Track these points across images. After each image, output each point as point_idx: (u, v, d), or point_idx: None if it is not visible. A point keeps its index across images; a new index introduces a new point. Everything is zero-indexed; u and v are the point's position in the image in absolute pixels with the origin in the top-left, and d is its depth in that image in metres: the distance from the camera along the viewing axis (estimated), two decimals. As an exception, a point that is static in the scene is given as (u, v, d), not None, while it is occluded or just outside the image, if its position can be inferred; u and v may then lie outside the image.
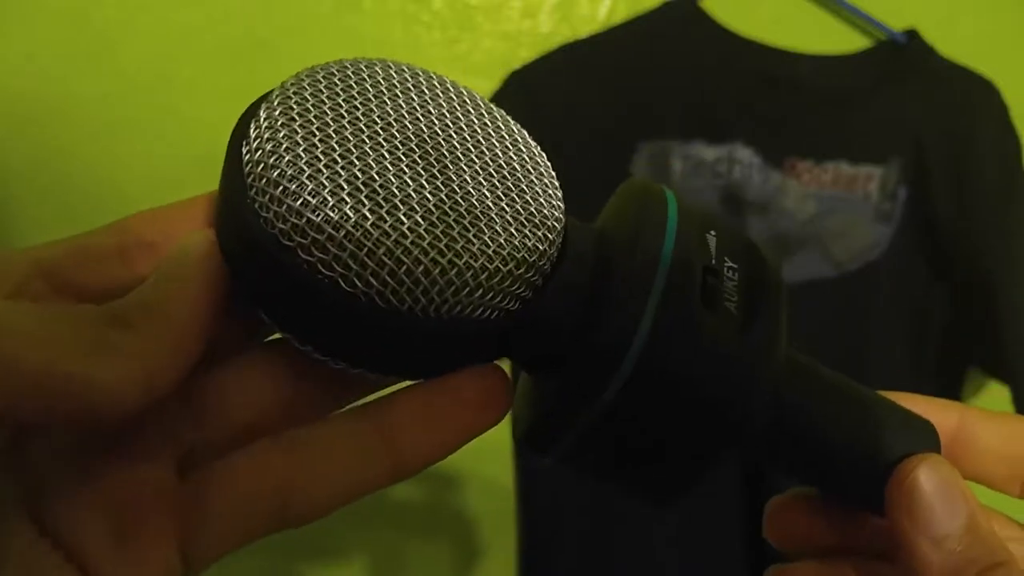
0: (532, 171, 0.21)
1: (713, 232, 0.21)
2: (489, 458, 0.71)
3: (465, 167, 0.20)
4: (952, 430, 0.24)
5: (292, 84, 0.20)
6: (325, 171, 0.18)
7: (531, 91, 0.67)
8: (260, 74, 0.68)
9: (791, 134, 0.68)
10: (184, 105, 0.69)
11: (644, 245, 0.20)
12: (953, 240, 0.68)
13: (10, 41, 0.67)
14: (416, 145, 0.19)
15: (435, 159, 0.19)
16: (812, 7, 0.71)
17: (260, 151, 0.18)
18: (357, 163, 0.18)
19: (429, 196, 0.19)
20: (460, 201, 0.19)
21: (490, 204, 0.19)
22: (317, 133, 0.18)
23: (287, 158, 0.18)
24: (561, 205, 0.21)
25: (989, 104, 0.69)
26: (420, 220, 0.18)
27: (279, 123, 0.19)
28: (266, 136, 0.18)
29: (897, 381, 0.70)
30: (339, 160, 0.18)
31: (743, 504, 0.68)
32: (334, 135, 0.18)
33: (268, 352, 0.21)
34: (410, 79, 0.21)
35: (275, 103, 0.19)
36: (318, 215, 0.17)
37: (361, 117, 0.19)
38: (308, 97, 0.19)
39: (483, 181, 0.20)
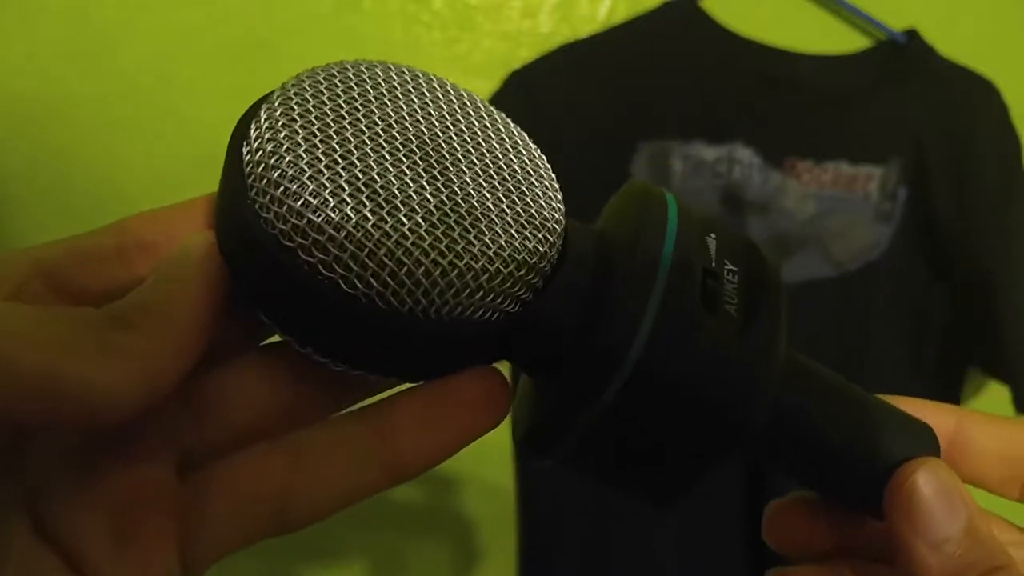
0: (532, 173, 0.21)
1: (713, 235, 0.21)
2: (489, 460, 0.71)
3: (465, 168, 0.20)
4: (950, 433, 0.24)
5: (293, 85, 0.20)
6: (326, 172, 0.18)
7: (531, 91, 0.67)
8: (260, 74, 0.68)
9: (791, 134, 0.68)
10: (184, 105, 0.69)
11: (644, 247, 0.20)
12: (953, 240, 0.68)
13: (10, 41, 0.67)
14: (416, 146, 0.19)
15: (435, 160, 0.19)
16: (812, 7, 0.71)
17: (261, 151, 0.18)
18: (358, 164, 0.18)
19: (429, 197, 0.19)
20: (460, 202, 0.19)
21: (490, 205, 0.19)
22: (318, 134, 0.18)
23: (288, 158, 0.18)
24: (561, 207, 0.21)
25: (989, 104, 0.69)
26: (421, 221, 0.18)
27: (280, 124, 0.19)
28: (267, 137, 0.18)
29: (897, 381, 0.70)
30: (340, 161, 0.18)
31: (744, 506, 0.68)
32: (335, 136, 0.18)
33: (268, 354, 0.21)
34: (410, 81, 0.21)
35: (275, 104, 0.19)
36: (319, 216, 0.17)
37: (362, 118, 0.19)
38: (309, 98, 0.19)
39: (483, 183, 0.20)
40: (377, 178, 0.18)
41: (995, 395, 0.72)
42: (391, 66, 0.21)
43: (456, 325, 0.19)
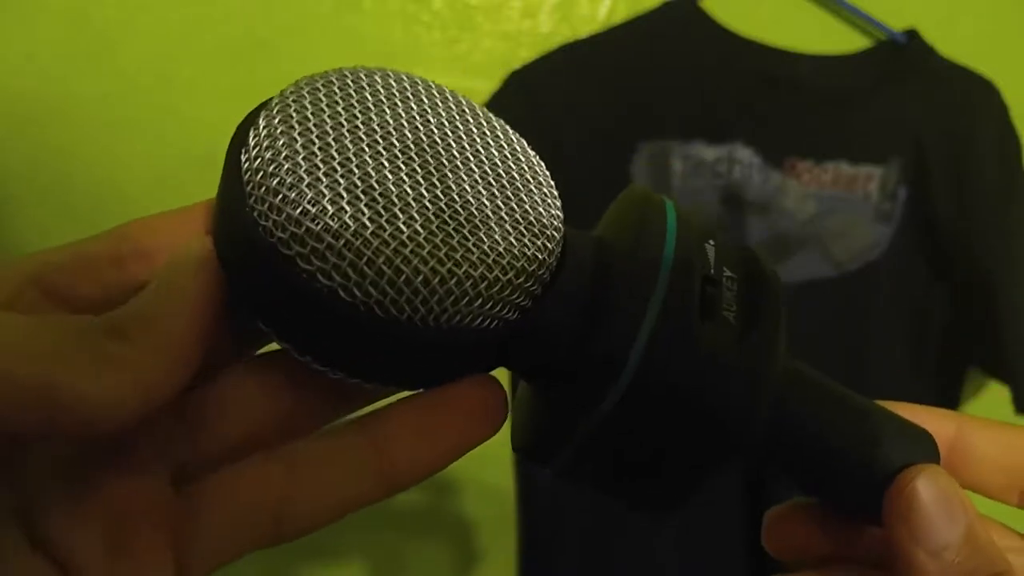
0: (531, 180, 0.21)
1: (712, 242, 0.21)
2: (489, 462, 0.71)
3: (464, 176, 0.20)
4: (950, 439, 0.24)
5: (291, 92, 0.20)
6: (324, 179, 0.18)
7: (531, 91, 0.67)
8: (260, 74, 0.68)
9: (791, 134, 0.68)
10: (184, 105, 0.69)
11: (645, 250, 0.20)
12: (953, 240, 0.68)
13: (10, 41, 0.67)
14: (415, 154, 0.19)
15: (434, 168, 0.19)
16: (812, 7, 0.71)
17: (259, 159, 0.18)
18: (356, 171, 0.18)
19: (428, 205, 0.19)
20: (460, 210, 0.19)
21: (489, 213, 0.19)
22: (316, 141, 0.18)
23: (286, 166, 0.18)
24: (560, 214, 0.21)
25: (989, 104, 0.69)
26: (419, 229, 0.18)
27: (278, 131, 0.18)
28: (265, 144, 0.18)
29: (897, 381, 0.70)
30: (338, 168, 0.18)
31: (744, 511, 0.68)
32: (333, 143, 0.18)
33: (265, 363, 0.21)
34: (409, 88, 0.21)
35: (274, 111, 0.19)
36: (317, 223, 0.17)
37: (360, 125, 0.19)
38: (307, 105, 0.19)
39: (482, 190, 0.20)
40: (376, 185, 0.18)
41: (995, 395, 0.72)
42: (390, 73, 0.21)
43: (454, 333, 0.19)
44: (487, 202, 0.19)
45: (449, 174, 0.19)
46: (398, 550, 0.79)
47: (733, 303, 0.20)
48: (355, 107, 0.20)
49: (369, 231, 0.18)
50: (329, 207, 0.17)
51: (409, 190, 0.18)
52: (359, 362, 0.19)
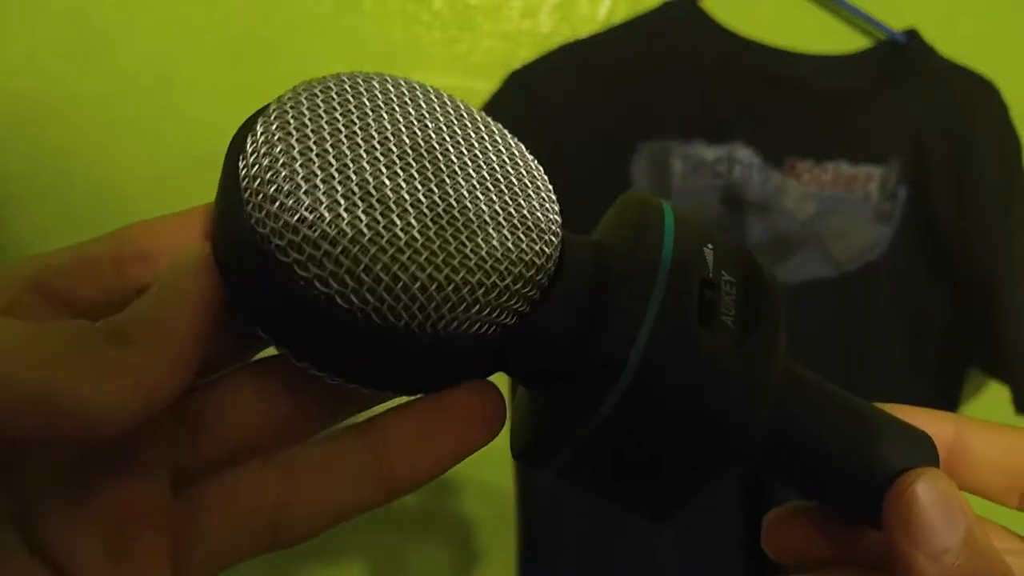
0: (529, 184, 0.21)
1: (711, 245, 0.21)
2: (489, 462, 0.71)
3: (462, 180, 0.20)
4: (949, 441, 0.24)
5: (289, 98, 0.20)
6: (322, 186, 0.18)
7: (531, 91, 0.67)
8: (260, 74, 0.68)
9: (791, 134, 0.68)
10: (184, 105, 0.69)
11: (643, 253, 0.20)
12: (953, 240, 0.68)
13: (10, 41, 0.67)
14: (413, 159, 0.19)
15: (432, 173, 0.19)
16: (812, 7, 0.71)
17: (257, 166, 0.18)
18: (353, 177, 0.18)
19: (426, 210, 0.18)
20: (457, 216, 0.19)
21: (487, 219, 0.19)
22: (314, 148, 0.18)
23: (283, 173, 0.18)
24: (558, 219, 0.21)
25: (989, 104, 0.69)
26: (417, 235, 0.18)
27: (276, 137, 0.18)
28: (263, 151, 0.18)
29: (897, 381, 0.70)
30: (335, 175, 0.18)
31: (743, 514, 0.68)
32: (331, 149, 0.18)
33: (264, 368, 0.21)
34: (407, 92, 0.21)
35: (272, 117, 0.19)
36: (314, 230, 0.17)
37: (358, 131, 0.19)
38: (305, 111, 0.19)
39: (480, 195, 0.20)
40: (373, 191, 0.18)
41: (995, 395, 0.72)
42: (388, 77, 0.21)
43: (452, 339, 0.19)
44: (485, 207, 0.19)
45: (447, 179, 0.19)
46: (398, 550, 0.79)
47: (732, 307, 0.20)
48: (352, 112, 0.20)
49: (366, 237, 0.18)
50: (326, 213, 0.17)
51: (407, 196, 0.18)
52: (356, 368, 0.19)
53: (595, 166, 0.66)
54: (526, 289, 0.19)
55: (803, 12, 0.71)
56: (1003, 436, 0.24)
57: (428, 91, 0.22)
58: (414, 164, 0.19)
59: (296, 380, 0.20)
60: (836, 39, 0.71)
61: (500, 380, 0.21)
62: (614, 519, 0.68)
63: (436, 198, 0.19)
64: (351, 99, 0.20)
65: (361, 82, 0.21)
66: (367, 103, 0.20)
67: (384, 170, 0.19)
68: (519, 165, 0.21)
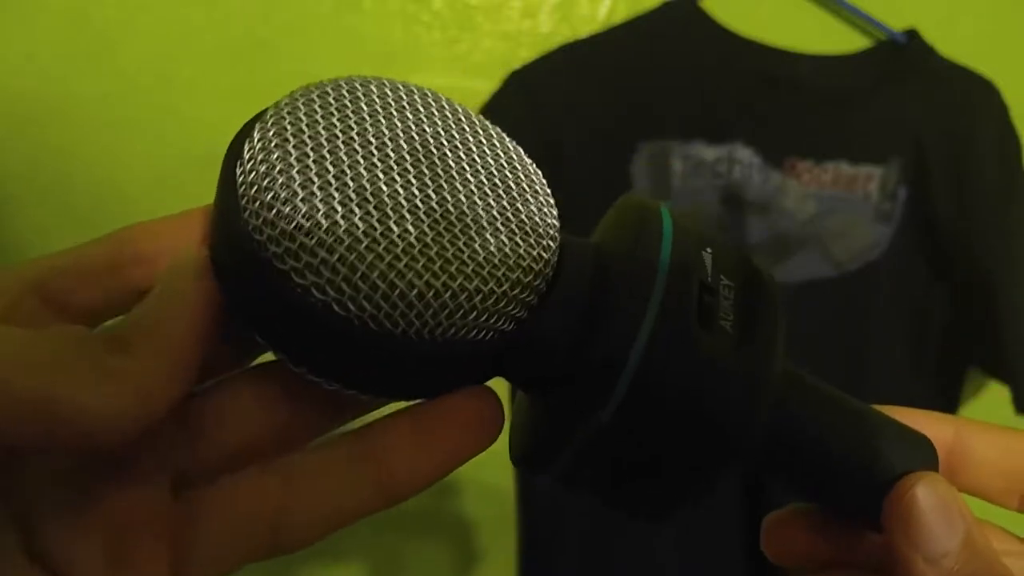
0: (527, 189, 0.21)
1: (709, 249, 0.21)
2: (488, 464, 0.71)
3: (460, 186, 0.20)
4: (948, 443, 0.24)
5: (286, 104, 0.20)
6: (318, 192, 0.18)
7: (531, 91, 0.67)
8: (260, 74, 0.68)
9: (791, 134, 0.68)
10: (184, 105, 0.69)
11: (643, 253, 0.20)
12: (953, 240, 0.68)
13: (10, 41, 0.67)
14: (411, 164, 0.19)
15: (429, 178, 0.19)
16: (812, 7, 0.71)
17: (254, 172, 0.18)
18: (351, 184, 0.18)
19: (423, 216, 0.18)
20: (455, 221, 0.19)
21: (484, 224, 0.19)
22: (311, 154, 0.18)
23: (280, 179, 0.18)
24: (556, 223, 0.21)
25: (989, 104, 0.69)
26: (414, 241, 0.18)
27: (272, 144, 0.18)
28: (260, 157, 0.18)
29: (897, 381, 0.70)
30: (332, 182, 0.18)
31: (743, 514, 0.68)
32: (328, 155, 0.18)
33: (262, 373, 0.21)
34: (404, 96, 0.21)
35: (269, 123, 0.19)
36: (311, 237, 0.17)
37: (355, 136, 0.19)
38: (302, 117, 0.19)
39: (478, 200, 0.20)
40: (370, 198, 0.18)
41: (995, 395, 0.72)
42: (386, 81, 0.21)
43: (449, 346, 0.19)
44: (483, 212, 0.19)
45: (444, 184, 0.19)
46: (398, 550, 0.79)
47: (730, 312, 0.20)
48: (350, 118, 0.20)
49: (363, 244, 0.18)
50: (323, 220, 0.17)
51: (404, 201, 0.18)
52: (354, 375, 0.19)
53: (595, 166, 0.66)
54: (524, 295, 0.19)
55: (803, 12, 0.71)
56: (1002, 438, 0.24)
57: (426, 95, 0.22)
58: (411, 169, 0.19)
59: (294, 385, 0.20)
60: (836, 39, 0.71)
61: (500, 383, 0.21)
62: (614, 519, 0.67)
63: (434, 203, 0.19)
64: (348, 104, 0.20)
65: (359, 87, 0.21)
66: (364, 108, 0.20)
67: (381, 175, 0.19)
68: (517, 169, 0.21)
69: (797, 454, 0.21)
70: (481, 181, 0.20)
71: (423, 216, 0.18)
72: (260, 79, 0.67)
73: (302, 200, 0.18)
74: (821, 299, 0.68)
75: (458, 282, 0.18)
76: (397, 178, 0.19)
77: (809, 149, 0.68)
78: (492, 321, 0.19)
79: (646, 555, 0.69)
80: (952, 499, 0.21)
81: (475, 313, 0.19)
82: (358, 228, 0.18)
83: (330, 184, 0.18)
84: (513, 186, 0.21)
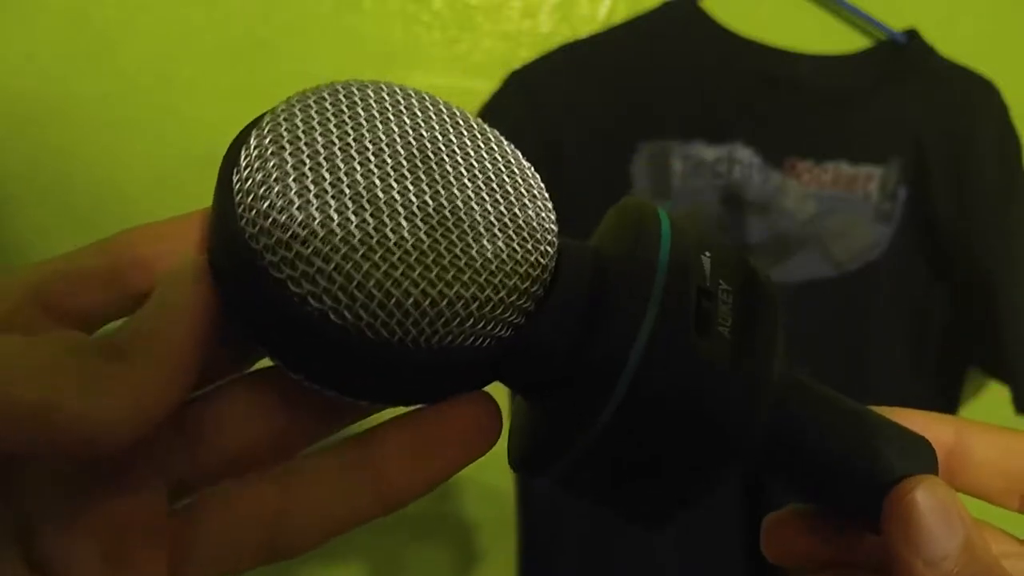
0: (525, 193, 0.21)
1: (708, 253, 0.21)
2: (488, 465, 0.71)
3: (457, 192, 0.20)
4: (949, 444, 0.24)
5: (283, 110, 0.19)
6: (315, 201, 0.18)
7: (531, 91, 0.67)
8: (260, 74, 0.68)
9: (791, 134, 0.68)
10: (184, 105, 0.69)
11: (643, 253, 0.20)
12: (953, 240, 0.68)
13: (10, 41, 0.67)
14: (408, 171, 0.19)
15: (427, 184, 0.19)
16: (812, 7, 0.71)
17: (250, 180, 0.18)
18: (347, 191, 0.18)
19: (420, 224, 0.18)
20: (452, 228, 0.19)
21: (481, 230, 0.19)
22: (307, 162, 0.18)
23: (276, 188, 0.18)
24: (554, 227, 0.21)
25: (989, 104, 0.69)
26: (410, 249, 0.18)
27: (268, 152, 0.18)
28: (256, 166, 0.18)
29: (897, 381, 0.70)
30: (328, 190, 0.18)
31: (743, 515, 0.68)
32: (324, 163, 0.18)
33: (260, 379, 0.21)
34: (402, 100, 0.21)
35: (265, 131, 0.19)
36: (307, 247, 0.17)
37: (352, 143, 0.19)
38: (298, 124, 0.19)
39: (475, 206, 0.20)
40: (366, 206, 0.18)
41: (995, 395, 0.72)
42: (383, 85, 0.21)
43: (446, 353, 0.19)
44: (480, 219, 0.19)
45: (441, 190, 0.19)
46: (398, 552, 0.79)
47: (728, 317, 0.20)
48: (346, 123, 0.19)
49: (359, 254, 0.17)
50: (319, 230, 0.17)
51: (400, 208, 0.18)
52: (351, 382, 0.20)
53: (595, 166, 0.66)
54: (521, 301, 0.19)
55: (803, 12, 0.71)
56: (1002, 438, 0.24)
57: (423, 98, 0.22)
58: (408, 175, 0.19)
59: (292, 391, 0.20)
60: (836, 39, 0.71)
61: (499, 386, 0.21)
62: (614, 520, 0.68)
63: (431, 210, 0.19)
64: (345, 109, 0.20)
65: (356, 91, 0.20)
66: (361, 113, 0.20)
67: (377, 182, 0.19)
68: (515, 173, 0.21)
69: (797, 454, 0.21)
70: (479, 186, 0.20)
71: (420, 223, 0.18)
72: (260, 79, 0.67)
73: (298, 209, 0.18)
74: (821, 299, 0.68)
75: (454, 290, 0.18)
76: (394, 184, 0.19)
77: (809, 149, 0.68)
78: (489, 328, 0.19)
79: (646, 555, 0.69)
80: (951, 502, 0.21)
81: (471, 321, 0.19)
82: (354, 237, 0.18)
83: (326, 192, 0.18)
84: (511, 190, 0.21)
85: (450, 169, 0.20)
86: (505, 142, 0.22)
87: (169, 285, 0.19)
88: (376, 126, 0.20)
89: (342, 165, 0.18)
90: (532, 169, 0.22)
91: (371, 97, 0.21)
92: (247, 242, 0.18)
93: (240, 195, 0.18)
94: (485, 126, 0.22)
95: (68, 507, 0.18)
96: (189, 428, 0.20)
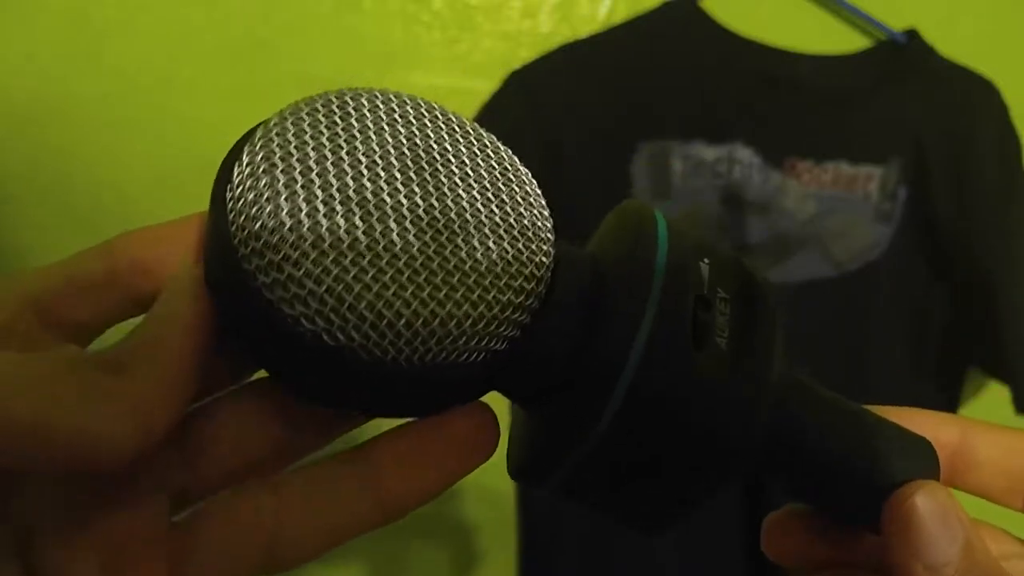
0: (522, 202, 0.21)
1: (707, 260, 0.21)
2: (489, 467, 0.71)
3: (452, 204, 0.19)
4: (954, 444, 0.23)
5: (275, 124, 0.19)
6: (306, 221, 0.18)
7: (531, 91, 0.67)
8: (260, 74, 0.68)
9: (791, 134, 0.68)
10: (184, 105, 0.69)
11: (643, 253, 0.20)
12: (953, 240, 0.68)
13: (10, 41, 0.67)
14: (401, 184, 0.19)
15: (420, 198, 0.19)
16: (812, 7, 0.71)
17: (242, 200, 0.18)
18: (339, 210, 0.18)
19: (413, 240, 0.18)
20: (445, 244, 0.19)
21: (476, 244, 0.19)
22: (299, 179, 0.18)
23: (268, 209, 0.18)
24: (551, 236, 0.21)
25: (989, 104, 0.69)
26: (403, 268, 0.18)
27: (260, 170, 0.18)
28: (248, 184, 0.18)
29: (897, 381, 0.70)
30: (320, 208, 0.18)
31: (743, 514, 0.68)
32: (316, 179, 0.18)
33: (257, 390, 0.21)
34: (396, 109, 0.21)
35: (257, 147, 0.19)
36: (299, 268, 0.17)
37: (344, 157, 0.19)
38: (290, 139, 0.19)
39: (469, 217, 0.19)
40: (359, 224, 0.18)
41: (995, 395, 0.72)
42: (378, 93, 0.21)
43: (440, 370, 0.19)
44: (474, 230, 0.19)
45: (435, 203, 0.19)
46: (399, 552, 0.79)
47: (725, 328, 0.20)
48: (339, 136, 0.19)
49: (350, 275, 0.17)
50: (310, 251, 0.17)
51: (394, 225, 0.18)
52: (345, 398, 0.20)
53: (595, 166, 0.66)
54: (515, 315, 0.19)
55: (803, 12, 0.71)
56: (1004, 437, 0.24)
57: (419, 104, 0.21)
58: (402, 189, 0.19)
59: (288, 400, 0.20)
60: (836, 39, 0.71)
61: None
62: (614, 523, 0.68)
63: (424, 225, 0.19)
64: (338, 121, 0.20)
65: (349, 100, 0.20)
66: (354, 124, 0.20)
67: (371, 197, 0.18)
68: (512, 180, 0.21)
69: (796, 454, 0.21)
70: (473, 197, 0.20)
71: (413, 239, 0.18)
72: (260, 79, 0.67)
73: (289, 230, 0.17)
74: (821, 299, 0.68)
75: (447, 309, 0.18)
76: (387, 199, 0.19)
77: (809, 149, 0.68)
78: (483, 343, 0.19)
79: (646, 556, 0.69)
80: (951, 507, 0.20)
81: (464, 338, 0.18)
82: (345, 258, 0.17)
83: (317, 211, 0.18)
84: (507, 199, 0.20)
85: (444, 180, 0.20)
86: (502, 147, 0.22)
87: (168, 299, 0.19)
88: (369, 137, 0.20)
89: (334, 181, 0.18)
90: (529, 175, 0.22)
91: (364, 107, 0.20)
92: (240, 262, 0.18)
93: (233, 214, 0.18)
94: (481, 130, 0.22)
95: (68, 520, 0.18)
96: (187, 441, 0.20)
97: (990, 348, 0.69)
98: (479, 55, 0.70)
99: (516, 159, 0.22)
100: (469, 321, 0.18)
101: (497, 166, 0.21)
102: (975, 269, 0.68)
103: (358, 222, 0.18)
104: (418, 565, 0.79)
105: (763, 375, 0.20)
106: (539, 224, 0.21)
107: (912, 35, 0.70)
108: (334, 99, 0.20)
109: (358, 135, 0.20)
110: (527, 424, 0.22)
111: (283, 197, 0.18)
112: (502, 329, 0.19)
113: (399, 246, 0.18)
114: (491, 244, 0.19)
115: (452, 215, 0.19)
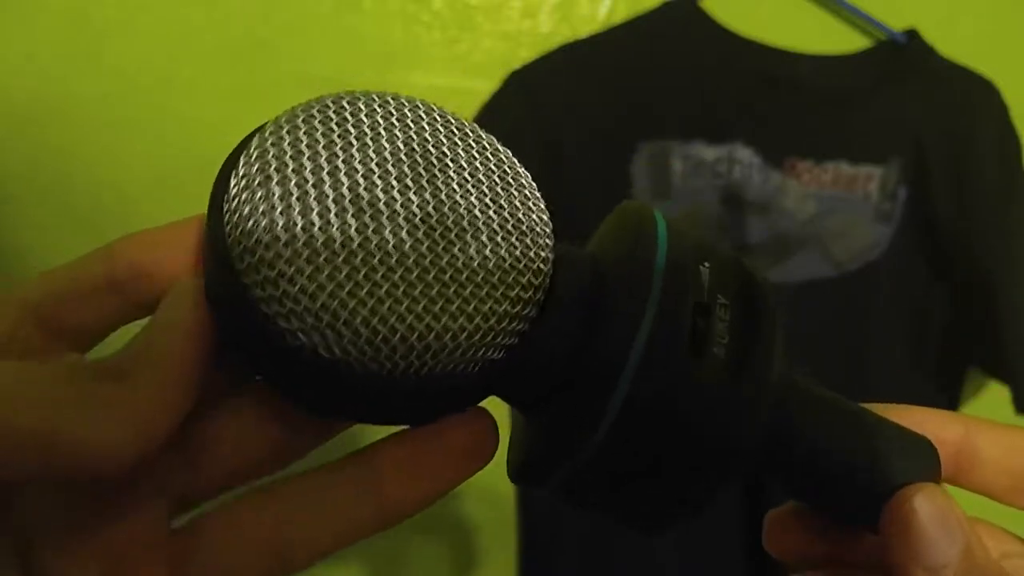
0: (521, 206, 0.20)
1: (707, 263, 0.21)
2: (489, 468, 0.71)
3: (449, 211, 0.19)
4: (957, 442, 0.23)
5: (271, 132, 0.19)
6: (301, 235, 0.17)
7: (531, 91, 0.67)
8: (260, 74, 0.68)
9: (791, 134, 0.68)
10: (184, 105, 0.69)
11: (643, 253, 0.20)
12: (953, 240, 0.68)
13: (10, 41, 0.67)
14: (399, 192, 0.19)
15: (418, 206, 0.19)
16: (812, 7, 0.71)
17: (238, 213, 0.18)
18: (334, 222, 0.18)
19: (410, 251, 0.18)
20: (442, 253, 0.18)
21: (473, 253, 0.19)
22: (294, 191, 0.18)
23: (263, 222, 0.18)
24: (550, 243, 0.21)
25: (989, 104, 0.69)
26: (398, 281, 0.18)
27: (256, 182, 0.18)
28: (243, 197, 0.18)
29: (897, 381, 0.70)
30: (316, 221, 0.18)
31: (743, 514, 0.68)
32: (312, 190, 0.18)
33: (257, 395, 0.21)
34: (394, 113, 0.20)
35: (253, 156, 0.19)
36: (294, 284, 0.17)
37: (341, 165, 0.19)
38: (286, 148, 0.19)
39: (467, 226, 0.19)
40: (355, 236, 0.18)
41: (995, 395, 0.72)
42: (374, 97, 0.21)
43: (437, 380, 0.19)
44: (471, 240, 0.19)
45: (433, 210, 0.19)
46: (399, 552, 0.79)
47: (726, 334, 0.20)
48: (336, 144, 0.19)
49: (345, 290, 0.17)
50: (305, 266, 0.17)
51: (390, 236, 0.18)
52: (343, 408, 0.20)
53: (595, 166, 0.66)
54: (512, 325, 0.19)
55: (803, 12, 0.71)
56: (1008, 436, 0.24)
57: (417, 106, 0.21)
58: (399, 197, 0.19)
59: (287, 403, 0.20)
60: (836, 39, 0.71)
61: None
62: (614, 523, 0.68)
63: (421, 233, 0.18)
64: (335, 127, 0.19)
65: (346, 105, 0.20)
66: (351, 130, 0.20)
67: (367, 208, 0.18)
68: (511, 184, 0.21)
69: (796, 454, 0.21)
70: (472, 203, 0.20)
71: (409, 251, 0.18)
72: (260, 79, 0.67)
73: (284, 244, 0.17)
74: (821, 299, 0.68)
75: (442, 322, 0.18)
76: (384, 209, 0.18)
77: (809, 149, 0.68)
78: (480, 354, 0.19)
79: (646, 555, 0.69)
80: (951, 509, 0.20)
81: (460, 351, 0.18)
82: (340, 273, 0.17)
83: (313, 225, 0.18)
84: (505, 204, 0.20)
85: (443, 185, 0.20)
86: (502, 149, 0.22)
87: (170, 306, 0.19)
88: (366, 144, 0.19)
89: (330, 192, 0.18)
90: (529, 177, 0.22)
91: (362, 112, 0.20)
92: (238, 275, 0.18)
93: (230, 227, 0.18)
94: (481, 132, 0.22)
95: (68, 528, 0.18)
96: (187, 447, 0.20)
97: (990, 348, 0.69)
98: (479, 55, 0.70)
99: (516, 161, 0.22)
100: (465, 334, 0.18)
101: (497, 169, 0.21)
102: (975, 269, 0.68)
103: (354, 235, 0.18)
104: (418, 565, 0.79)
105: (763, 375, 0.20)
106: (538, 230, 0.20)
107: (912, 35, 0.70)
108: (331, 104, 0.20)
109: (355, 143, 0.19)
110: (527, 426, 0.22)
111: (278, 211, 0.18)
112: (500, 339, 0.19)
113: (395, 258, 0.18)
114: (488, 252, 0.19)
115: (450, 222, 0.19)
